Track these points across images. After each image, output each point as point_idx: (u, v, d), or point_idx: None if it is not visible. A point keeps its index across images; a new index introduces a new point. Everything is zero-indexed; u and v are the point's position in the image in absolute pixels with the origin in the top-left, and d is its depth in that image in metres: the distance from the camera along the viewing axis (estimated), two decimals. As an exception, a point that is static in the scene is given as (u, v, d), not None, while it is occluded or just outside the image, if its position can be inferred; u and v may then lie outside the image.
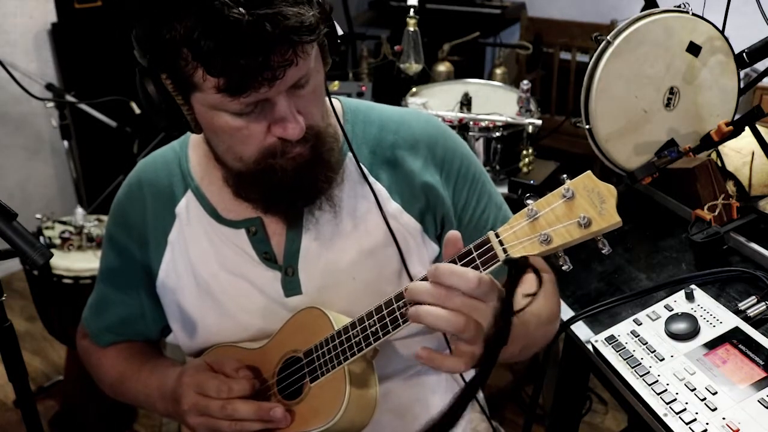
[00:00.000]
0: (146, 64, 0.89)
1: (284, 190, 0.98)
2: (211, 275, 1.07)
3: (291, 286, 1.06)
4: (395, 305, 0.89)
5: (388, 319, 0.89)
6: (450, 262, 0.85)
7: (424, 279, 0.86)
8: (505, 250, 0.80)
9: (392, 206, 1.06)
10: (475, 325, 0.81)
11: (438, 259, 1.10)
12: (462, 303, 0.81)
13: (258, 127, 0.91)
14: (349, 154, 1.06)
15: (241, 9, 0.80)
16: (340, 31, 0.95)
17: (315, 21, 0.85)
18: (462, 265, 0.84)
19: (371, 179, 1.06)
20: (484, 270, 0.82)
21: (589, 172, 0.78)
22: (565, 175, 0.79)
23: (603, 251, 0.78)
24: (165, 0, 0.83)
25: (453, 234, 0.85)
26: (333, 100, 1.06)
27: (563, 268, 0.80)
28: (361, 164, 1.05)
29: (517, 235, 0.80)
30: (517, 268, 0.80)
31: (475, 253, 0.83)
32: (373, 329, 0.91)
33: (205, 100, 0.89)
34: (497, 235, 0.81)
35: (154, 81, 0.89)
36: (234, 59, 0.82)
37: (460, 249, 0.85)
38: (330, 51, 0.95)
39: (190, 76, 0.86)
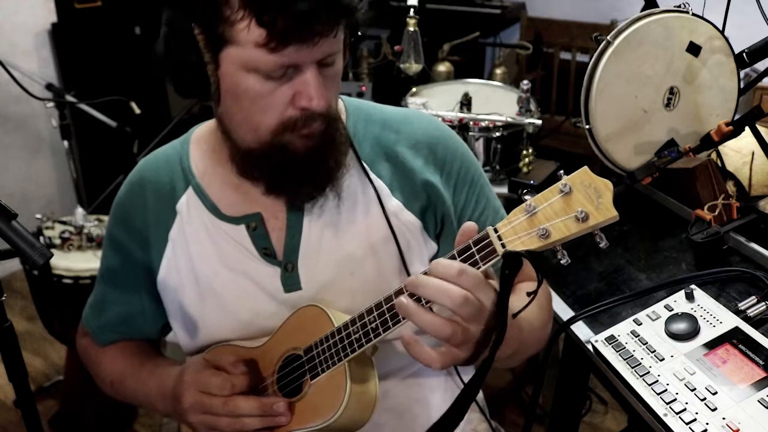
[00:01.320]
0: (181, 14, 0.90)
1: (292, 171, 0.98)
2: (211, 272, 1.08)
3: (290, 282, 1.06)
4: (395, 301, 0.90)
5: (387, 315, 0.90)
6: (450, 257, 0.85)
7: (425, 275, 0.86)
8: (503, 245, 0.81)
9: (393, 203, 1.07)
10: (462, 332, 0.81)
11: (436, 257, 1.10)
12: (473, 309, 0.80)
13: (282, 94, 0.92)
14: (350, 150, 1.06)
15: None
16: (359, 33, 1.00)
17: (355, 4, 0.91)
18: (461, 260, 0.84)
19: (372, 175, 1.06)
20: (484, 265, 0.82)
21: (585, 167, 0.79)
22: (561, 171, 0.80)
23: (600, 245, 0.79)
24: None
25: (469, 224, 0.85)
26: None
27: (561, 262, 0.80)
28: (362, 160, 1.06)
29: (516, 230, 0.80)
30: (512, 266, 0.80)
31: (474, 248, 0.83)
32: (372, 325, 0.91)
33: (240, 56, 0.90)
34: (496, 230, 0.82)
35: (185, 35, 0.90)
36: (284, 9, 0.84)
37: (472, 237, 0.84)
38: (349, 47, 0.99)
39: (228, 28, 0.88)
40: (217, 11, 0.87)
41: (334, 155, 1.00)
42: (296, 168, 0.98)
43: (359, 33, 1.01)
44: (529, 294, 0.83)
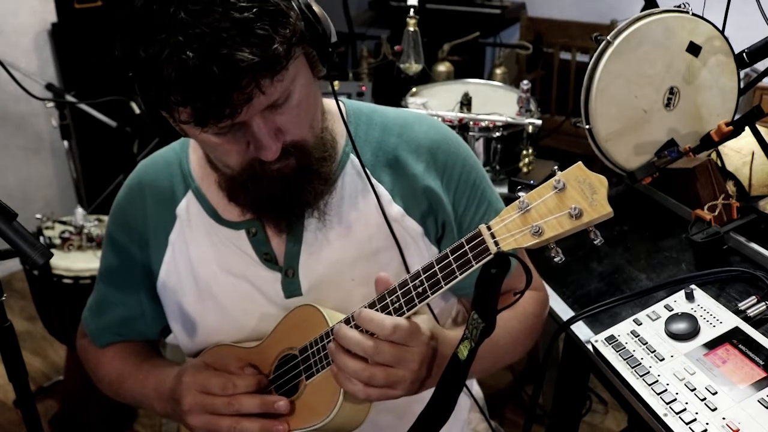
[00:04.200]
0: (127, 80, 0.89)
1: (271, 199, 0.98)
2: (211, 276, 1.07)
3: (291, 288, 1.06)
4: (388, 300, 0.90)
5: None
6: (442, 255, 0.86)
7: (348, 319, 0.92)
8: (496, 243, 0.80)
9: (394, 209, 1.06)
10: (386, 376, 0.88)
11: None
12: (391, 356, 0.87)
13: (238, 142, 0.91)
14: (352, 155, 1.06)
15: (189, 53, 0.79)
16: (334, 38, 0.93)
17: (281, 50, 0.82)
18: (454, 258, 0.84)
19: (374, 181, 1.06)
20: (476, 263, 0.82)
21: (579, 163, 0.78)
22: (556, 167, 0.80)
23: (595, 242, 0.78)
24: (138, 25, 0.83)
25: (382, 276, 0.92)
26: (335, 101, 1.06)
27: (555, 260, 0.80)
28: (364, 166, 1.05)
29: (509, 228, 0.80)
30: (500, 266, 0.80)
31: (466, 247, 0.83)
32: None
33: (181, 119, 0.88)
34: (489, 228, 0.81)
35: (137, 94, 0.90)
36: (190, 98, 0.82)
37: (388, 287, 0.91)
38: (321, 60, 0.93)
39: (171, 110, 0.86)
40: (148, 84, 0.85)
41: (313, 183, 0.99)
42: (275, 195, 0.98)
43: (333, 42, 0.92)
44: (516, 294, 0.84)
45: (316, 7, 0.90)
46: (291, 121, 0.92)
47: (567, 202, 0.77)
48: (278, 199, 0.99)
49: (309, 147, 0.97)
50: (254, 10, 0.80)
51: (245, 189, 0.98)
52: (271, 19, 0.82)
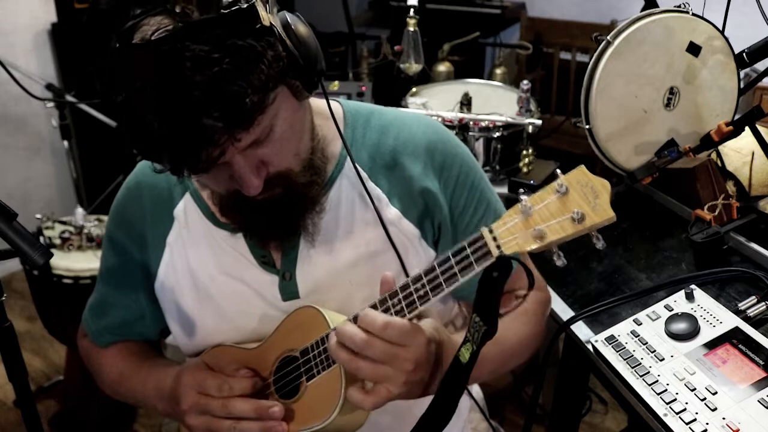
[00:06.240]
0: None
1: (259, 221, 0.99)
2: (209, 278, 1.07)
3: (288, 290, 1.06)
4: (390, 302, 0.90)
5: None
6: (444, 258, 0.85)
7: (355, 318, 0.91)
8: (498, 246, 0.80)
9: (391, 212, 1.06)
10: (374, 372, 0.87)
11: None
12: (381, 352, 0.86)
13: (223, 175, 0.91)
14: (348, 159, 1.06)
15: (156, 123, 0.79)
16: (321, 63, 0.90)
17: (255, 101, 0.80)
18: (456, 261, 0.84)
19: (370, 185, 1.05)
20: (478, 266, 0.82)
21: (582, 166, 0.78)
22: (558, 170, 0.79)
23: (597, 246, 0.78)
24: (110, 70, 0.84)
25: (387, 276, 0.91)
26: (332, 102, 1.05)
27: (557, 263, 0.80)
28: (360, 170, 1.04)
29: (511, 231, 0.80)
30: (502, 270, 0.80)
31: (468, 250, 0.83)
32: None
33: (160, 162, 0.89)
34: (491, 231, 0.81)
35: None
36: (162, 157, 0.83)
37: (391, 288, 0.90)
38: (305, 88, 0.91)
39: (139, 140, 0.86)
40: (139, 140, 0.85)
41: (300, 207, 0.99)
42: (262, 218, 0.98)
43: (318, 70, 0.89)
44: (518, 297, 0.83)
45: (302, 28, 0.87)
46: (274, 154, 0.91)
47: (569, 206, 0.77)
48: (265, 221, 0.99)
49: (294, 175, 0.96)
50: (226, 60, 0.77)
51: (234, 209, 0.99)
52: (245, 67, 0.79)
